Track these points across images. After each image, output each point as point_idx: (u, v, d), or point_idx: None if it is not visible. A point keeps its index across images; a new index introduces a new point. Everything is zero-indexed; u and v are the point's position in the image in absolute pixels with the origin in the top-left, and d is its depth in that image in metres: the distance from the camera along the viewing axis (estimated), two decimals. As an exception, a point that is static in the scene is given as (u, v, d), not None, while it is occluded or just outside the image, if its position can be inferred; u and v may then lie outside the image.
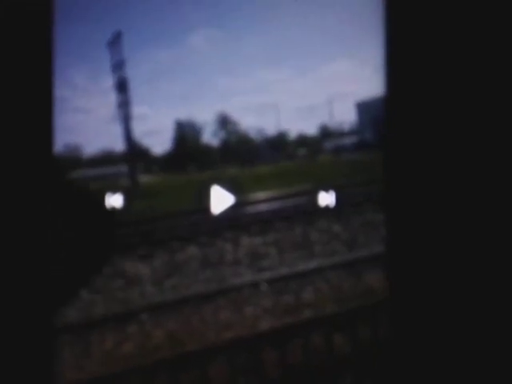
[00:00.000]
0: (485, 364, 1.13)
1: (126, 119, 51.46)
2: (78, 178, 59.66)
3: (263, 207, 20.23)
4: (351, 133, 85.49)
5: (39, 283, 1.15)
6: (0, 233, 1.09)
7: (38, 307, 1.14)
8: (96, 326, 9.00)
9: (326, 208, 18.20)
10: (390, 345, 1.32)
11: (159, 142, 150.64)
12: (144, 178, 53.61)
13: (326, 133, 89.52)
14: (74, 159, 74.41)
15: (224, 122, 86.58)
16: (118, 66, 51.74)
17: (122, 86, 51.50)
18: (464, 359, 1.15)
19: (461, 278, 1.13)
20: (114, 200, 25.60)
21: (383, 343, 5.89)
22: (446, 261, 1.13)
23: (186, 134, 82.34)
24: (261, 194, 24.48)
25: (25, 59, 1.13)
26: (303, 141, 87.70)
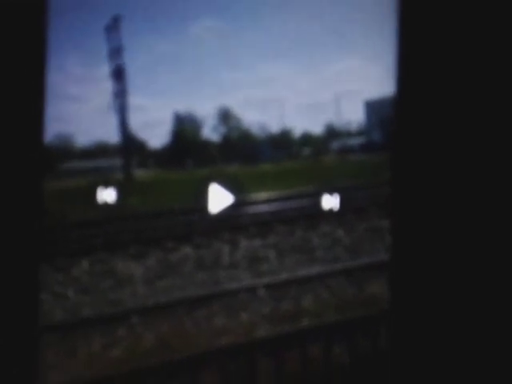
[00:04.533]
0: (484, 376, 1.15)
1: (121, 110, 51.35)
2: (69, 169, 59.56)
3: (264, 208, 20.21)
4: (358, 133, 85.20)
5: (23, 279, 1.16)
6: None
7: (23, 306, 1.15)
8: (83, 327, 9.00)
9: (330, 211, 18.22)
10: (390, 355, 1.33)
11: (156, 135, 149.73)
12: (139, 173, 53.46)
13: (332, 132, 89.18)
14: (65, 150, 74.17)
15: (225, 116, 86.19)
16: (116, 53, 51.64)
17: (118, 74, 51.38)
18: (463, 371, 1.17)
19: (465, 292, 1.14)
20: (107, 195, 25.53)
21: (382, 354, 5.90)
22: (451, 272, 1.14)
23: (184, 128, 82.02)
24: (262, 194, 24.44)
25: (17, 45, 1.14)
26: (308, 139, 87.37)
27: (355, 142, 75.89)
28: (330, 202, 19.46)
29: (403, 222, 1.26)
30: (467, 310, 1.16)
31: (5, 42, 1.15)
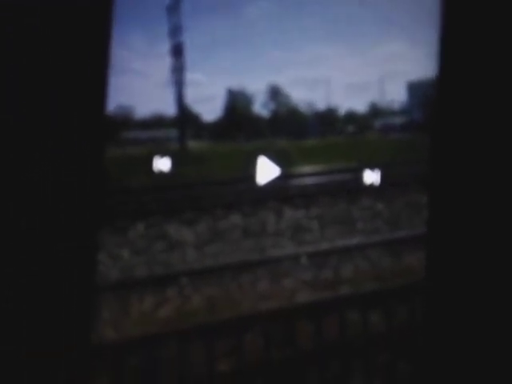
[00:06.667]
0: None
1: (179, 84, 51.75)
2: (128, 138, 60.22)
3: (308, 181, 20.15)
4: (401, 112, 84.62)
5: (83, 240, 1.16)
6: (49, 189, 1.11)
7: (80, 264, 1.16)
8: (136, 287, 9.06)
9: (371, 186, 18.13)
10: (425, 324, 1.28)
11: (210, 109, 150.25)
12: (193, 144, 53.81)
13: (375, 111, 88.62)
14: (125, 120, 74.95)
15: (275, 93, 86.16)
16: (175, 31, 51.97)
17: (177, 51, 51.73)
18: (497, 341, 1.11)
19: (499, 266, 1.08)
20: (162, 163, 25.74)
21: (419, 322, 5.83)
22: (486, 247, 1.09)
23: (236, 103, 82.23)
24: (307, 168, 24.39)
25: (83, 20, 1.14)
26: (352, 117, 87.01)
27: (397, 120, 75.35)
28: (372, 177, 19.40)
29: (441, 198, 1.20)
30: (503, 284, 1.09)
31: (73, 18, 1.15)
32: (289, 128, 72.61)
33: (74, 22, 1.17)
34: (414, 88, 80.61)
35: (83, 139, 1.21)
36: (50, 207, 1.13)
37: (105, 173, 1.27)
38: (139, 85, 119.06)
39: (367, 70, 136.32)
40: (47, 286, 1.13)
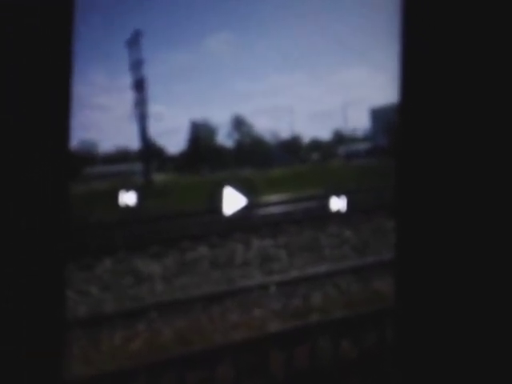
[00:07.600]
0: (488, 372, 1.13)
1: (142, 118, 51.67)
2: (93, 173, 59.77)
3: (275, 210, 20.19)
4: (364, 139, 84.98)
5: (50, 277, 1.17)
6: (13, 228, 1.12)
7: (49, 301, 1.16)
8: (105, 322, 9.00)
9: (338, 212, 18.20)
10: (395, 350, 1.31)
11: (174, 142, 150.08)
12: (158, 177, 53.57)
13: (339, 138, 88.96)
14: (89, 155, 74.43)
15: (238, 123, 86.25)
16: (137, 65, 51.97)
17: (139, 85, 51.70)
18: (467, 366, 1.15)
19: (468, 288, 1.13)
20: (128, 198, 25.56)
21: (389, 348, 5.87)
22: (454, 269, 1.13)
23: (200, 135, 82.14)
24: (273, 197, 24.43)
25: (44, 56, 1.16)
26: (316, 145, 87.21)
27: (361, 146, 75.70)
28: (338, 203, 19.48)
29: (407, 221, 1.25)
30: (472, 306, 1.14)
31: (32, 52, 1.17)
32: (254, 158, 72.61)
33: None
34: (377, 114, 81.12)
35: (47, 176, 1.22)
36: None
37: (70, 209, 1.28)
38: (102, 119, 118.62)
39: (330, 97, 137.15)
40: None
